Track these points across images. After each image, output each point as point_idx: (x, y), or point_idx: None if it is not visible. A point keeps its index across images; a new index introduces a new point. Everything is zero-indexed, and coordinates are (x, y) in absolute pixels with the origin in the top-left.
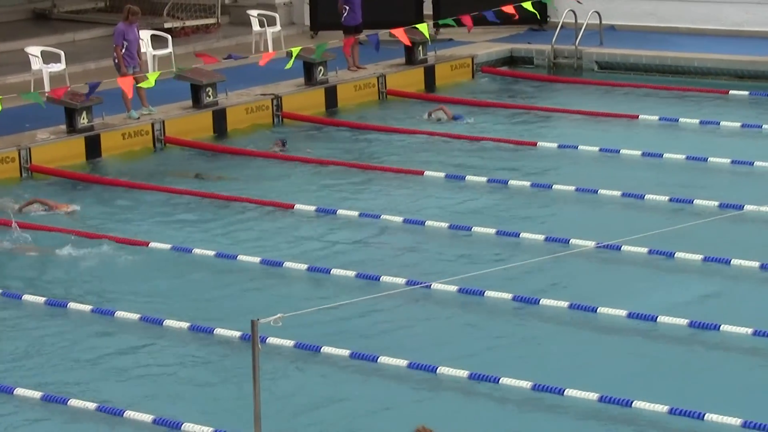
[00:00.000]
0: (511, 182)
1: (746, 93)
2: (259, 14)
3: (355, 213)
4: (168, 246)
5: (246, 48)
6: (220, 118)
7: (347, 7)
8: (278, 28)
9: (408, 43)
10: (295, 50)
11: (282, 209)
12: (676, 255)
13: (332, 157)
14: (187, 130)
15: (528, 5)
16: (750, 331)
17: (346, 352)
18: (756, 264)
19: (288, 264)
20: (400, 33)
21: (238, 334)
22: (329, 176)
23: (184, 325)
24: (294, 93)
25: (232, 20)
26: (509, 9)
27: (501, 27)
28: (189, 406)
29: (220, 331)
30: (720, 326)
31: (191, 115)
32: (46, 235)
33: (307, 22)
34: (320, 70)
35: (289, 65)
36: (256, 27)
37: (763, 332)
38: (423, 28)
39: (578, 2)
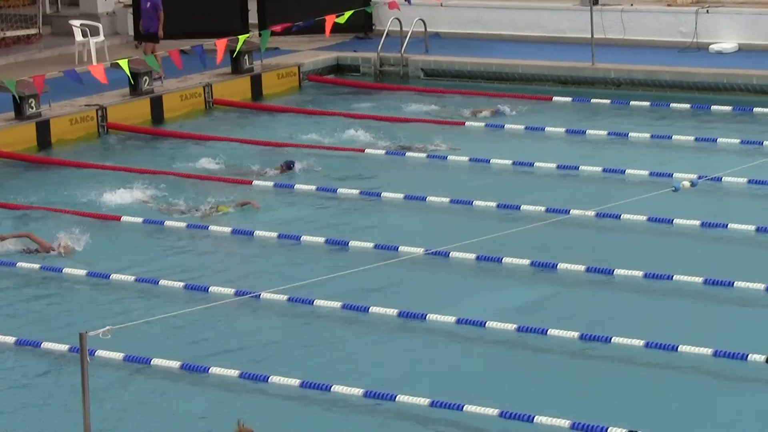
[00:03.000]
0: (340, 190)
1: (569, 99)
2: (81, 24)
3: (183, 224)
4: None
5: (69, 59)
6: (43, 129)
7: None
8: (101, 38)
9: (219, 60)
10: (123, 62)
11: (109, 221)
12: (503, 260)
13: (159, 167)
14: (9, 142)
15: (348, 15)
16: (576, 334)
17: (176, 364)
18: (581, 268)
19: (115, 276)
20: (221, 45)
21: (66, 347)
22: (156, 187)
23: (10, 339)
24: (119, 103)
25: (54, 30)
26: (329, 22)
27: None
28: (16, 422)
29: (47, 345)
30: (547, 330)
31: (13, 126)
32: None
33: (131, 32)
34: (145, 80)
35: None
36: (79, 37)
37: (589, 335)
38: (242, 38)
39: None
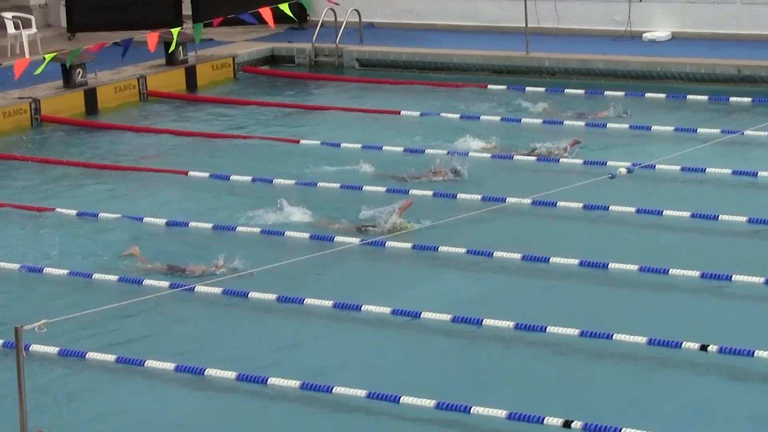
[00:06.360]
0: (276, 181)
1: (504, 87)
2: (14, 16)
3: (118, 215)
4: None
5: (1, 51)
6: None
7: None
8: (34, 30)
9: (152, 49)
10: (48, 56)
11: (41, 212)
12: (439, 249)
13: (94, 159)
14: None
15: (285, 8)
16: (512, 324)
17: (112, 357)
18: (517, 256)
19: (49, 269)
20: (152, 39)
21: (0, 342)
22: (91, 179)
23: None
24: (53, 96)
25: None
26: (267, 13)
27: (262, 26)
28: None
29: None
30: (483, 320)
31: None
32: None
33: (64, 23)
34: (79, 72)
35: (39, 70)
36: (11, 29)
37: (525, 325)
38: (175, 32)
39: (335, 4)
